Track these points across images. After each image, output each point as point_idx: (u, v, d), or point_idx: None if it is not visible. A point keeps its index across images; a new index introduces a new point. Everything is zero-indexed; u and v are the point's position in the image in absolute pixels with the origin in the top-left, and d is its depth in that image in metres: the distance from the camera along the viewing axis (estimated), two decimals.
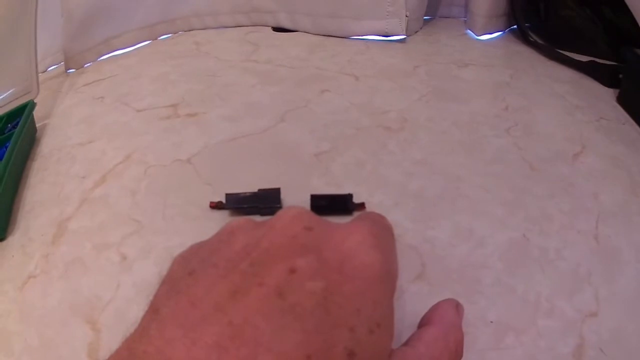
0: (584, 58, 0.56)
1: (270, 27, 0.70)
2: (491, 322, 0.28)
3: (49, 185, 0.46)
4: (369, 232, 0.22)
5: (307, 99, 0.53)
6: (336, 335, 0.19)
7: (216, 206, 0.40)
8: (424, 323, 0.26)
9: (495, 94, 0.52)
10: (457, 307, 0.27)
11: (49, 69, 0.69)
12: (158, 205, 0.41)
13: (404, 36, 0.63)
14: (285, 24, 0.69)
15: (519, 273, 0.31)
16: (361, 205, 0.39)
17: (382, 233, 0.24)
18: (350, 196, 0.39)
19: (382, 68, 0.58)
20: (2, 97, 0.58)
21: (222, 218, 0.40)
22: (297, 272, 0.20)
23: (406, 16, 0.63)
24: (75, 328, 0.32)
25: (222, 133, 0.48)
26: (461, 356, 0.25)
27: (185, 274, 0.21)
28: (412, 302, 0.30)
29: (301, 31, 0.67)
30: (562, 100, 0.50)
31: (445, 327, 0.25)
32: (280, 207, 0.39)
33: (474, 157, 0.43)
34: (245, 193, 0.40)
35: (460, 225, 0.35)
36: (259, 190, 0.40)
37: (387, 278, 0.22)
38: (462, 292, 0.30)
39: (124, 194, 0.42)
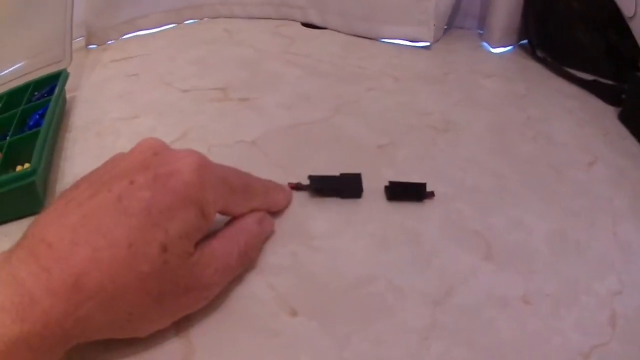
0: (587, 76, 0.60)
1: (298, 22, 0.69)
2: (547, 295, 0.32)
3: (92, 159, 0.44)
4: (198, 161, 0.28)
5: (356, 95, 0.54)
6: (154, 233, 0.25)
7: (296, 187, 0.40)
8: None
9: (517, 104, 0.55)
10: (261, 220, 0.34)
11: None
12: None
13: (429, 43, 0.65)
14: (315, 21, 0.69)
15: (561, 258, 0.35)
16: (431, 194, 0.40)
17: (216, 171, 0.30)
18: (424, 185, 0.40)
19: (417, 72, 0.60)
20: (27, 62, 0.55)
21: (302, 199, 0.39)
22: (135, 184, 0.26)
23: (434, 25, 0.65)
24: None
25: (281, 119, 0.48)
26: (250, 258, 0.33)
27: (72, 186, 0.28)
28: (484, 278, 0.33)
29: (331, 29, 0.68)
30: (572, 115, 0.53)
31: (238, 230, 0.32)
32: (361, 191, 0.40)
33: (511, 159, 0.45)
34: (327, 176, 0.40)
35: (512, 215, 0.38)
36: (341, 174, 0.40)
37: (197, 201, 0.27)
38: (523, 270, 0.34)
39: None
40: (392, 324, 0.31)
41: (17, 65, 0.53)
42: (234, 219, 0.33)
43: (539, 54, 0.64)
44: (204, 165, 0.28)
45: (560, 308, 0.32)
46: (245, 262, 0.32)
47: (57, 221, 0.25)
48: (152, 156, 0.28)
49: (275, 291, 0.33)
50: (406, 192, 0.40)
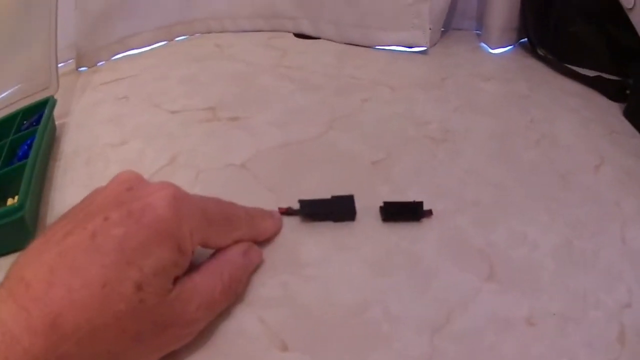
0: (589, 72, 0.59)
1: (291, 33, 0.68)
2: (554, 314, 0.31)
3: (82, 188, 0.43)
4: (173, 194, 0.27)
5: (350, 107, 0.52)
6: (128, 271, 0.25)
7: (286, 212, 0.38)
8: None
9: (519, 107, 0.53)
10: (247, 251, 0.33)
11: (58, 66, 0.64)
12: None
13: (426, 47, 0.64)
14: (308, 31, 0.68)
15: (568, 272, 0.34)
16: (429, 212, 0.39)
17: (192, 202, 0.29)
18: (421, 204, 0.39)
19: (413, 79, 0.58)
20: (14, 90, 0.54)
21: (293, 225, 0.38)
22: (108, 220, 0.26)
23: (429, 29, 0.63)
24: None
25: (272, 139, 0.47)
26: (235, 292, 0.32)
27: (54, 223, 0.28)
28: (487, 300, 0.32)
29: (324, 39, 0.67)
30: (576, 114, 0.51)
31: (221, 262, 0.31)
32: (355, 214, 0.38)
33: (514, 167, 0.44)
34: (318, 199, 0.38)
35: (516, 230, 0.37)
36: (333, 196, 0.39)
37: (173, 236, 0.27)
38: (528, 289, 0.32)
39: None
40: (389, 355, 0.30)
41: (4, 94, 0.52)
42: (217, 251, 0.32)
43: (540, 52, 0.63)
44: (178, 197, 0.28)
45: (567, 326, 0.31)
46: (231, 296, 0.31)
47: (35, 260, 0.25)
48: (126, 191, 0.28)
49: (265, 325, 0.32)
50: (402, 212, 0.39)
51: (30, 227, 0.39)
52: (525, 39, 0.66)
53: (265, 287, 0.34)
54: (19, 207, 0.37)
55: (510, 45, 0.66)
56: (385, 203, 0.39)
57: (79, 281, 0.24)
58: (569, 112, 0.52)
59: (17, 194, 0.39)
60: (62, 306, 0.23)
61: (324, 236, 0.38)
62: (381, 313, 0.32)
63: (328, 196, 0.39)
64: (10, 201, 0.41)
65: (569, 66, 0.60)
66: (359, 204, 0.39)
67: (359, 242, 0.37)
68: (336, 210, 0.38)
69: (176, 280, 0.27)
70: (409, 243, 0.37)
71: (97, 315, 0.24)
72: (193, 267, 0.29)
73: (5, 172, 0.42)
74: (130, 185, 0.28)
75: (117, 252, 0.25)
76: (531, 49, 0.64)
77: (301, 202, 0.38)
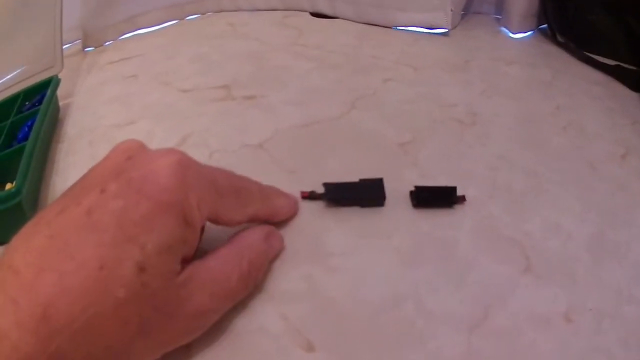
0: (608, 61, 0.56)
1: (307, 13, 0.65)
2: (590, 309, 0.29)
3: (84, 170, 0.40)
4: (178, 161, 0.24)
5: (372, 87, 0.49)
6: (128, 251, 0.21)
7: (309, 196, 0.35)
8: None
9: (544, 93, 0.50)
10: (269, 235, 0.30)
11: (64, 46, 0.61)
12: None
13: (447, 30, 0.60)
14: (325, 10, 0.64)
15: (603, 264, 0.32)
16: (462, 198, 0.36)
17: (200, 171, 0.25)
18: (454, 189, 0.36)
19: (436, 60, 0.55)
20: (18, 71, 0.51)
21: (317, 210, 0.35)
22: (106, 192, 0.22)
23: (451, 10, 0.60)
24: None
25: (291, 118, 0.44)
26: (255, 280, 0.28)
27: (50, 203, 0.24)
28: (525, 295, 0.30)
29: (341, 18, 0.63)
30: (598, 103, 0.49)
31: (240, 248, 0.27)
32: (384, 199, 0.35)
33: (543, 153, 0.41)
34: (345, 183, 0.35)
35: (550, 219, 0.35)
36: (360, 180, 0.35)
37: (179, 207, 0.23)
38: (564, 282, 0.31)
39: None
40: (424, 355, 0.27)
41: (8, 75, 0.49)
42: (236, 233, 0.29)
43: (560, 39, 0.60)
44: (184, 164, 0.24)
45: (603, 322, 0.29)
46: (249, 285, 0.28)
47: (24, 244, 0.22)
48: (126, 160, 0.25)
49: (288, 322, 0.29)
50: (434, 197, 0.36)
51: (29, 214, 0.36)
52: (545, 25, 0.63)
53: (287, 280, 0.31)
54: (16, 192, 0.34)
55: (531, 30, 0.64)
56: (417, 187, 0.36)
57: (72, 264, 0.21)
58: (592, 101, 0.49)
59: (17, 177, 0.36)
60: (53, 294, 0.20)
61: (351, 223, 0.34)
62: (414, 308, 0.29)
63: (353, 179, 0.36)
64: (9, 186, 0.38)
65: (589, 54, 0.58)
66: (386, 189, 0.36)
67: (389, 230, 0.34)
68: (364, 194, 0.35)
69: (185, 262, 0.24)
70: (442, 231, 0.34)
71: (93, 304, 0.21)
72: (208, 251, 0.26)
73: (3, 156, 0.39)
74: (130, 154, 0.25)
75: (116, 228, 0.22)
76: (551, 35, 0.62)
77: (326, 185, 0.35)
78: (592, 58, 0.57)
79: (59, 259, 0.21)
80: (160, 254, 0.22)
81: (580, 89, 0.51)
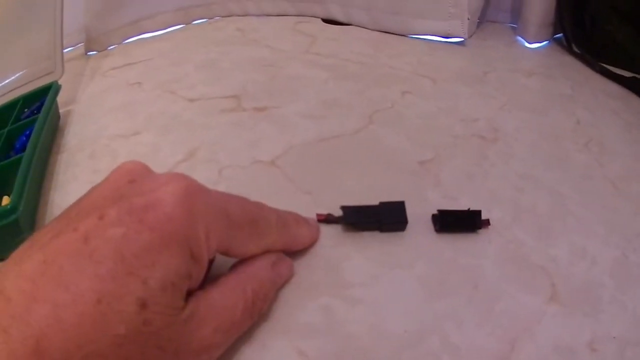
0: (625, 72, 0.55)
1: (319, 18, 0.62)
2: (614, 337, 0.28)
3: (86, 185, 0.37)
4: (185, 188, 0.22)
5: (391, 100, 0.47)
6: (129, 284, 0.20)
7: (326, 220, 0.33)
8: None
9: (564, 106, 0.49)
10: (276, 262, 0.28)
11: (65, 50, 0.59)
12: None
13: (463, 39, 0.58)
14: (338, 17, 0.62)
15: (626, 290, 0.31)
16: (486, 222, 0.34)
17: (210, 199, 0.23)
18: (479, 213, 0.34)
19: (454, 72, 0.53)
20: (17, 76, 0.49)
21: (334, 235, 0.32)
22: (104, 219, 0.20)
23: (468, 19, 0.58)
24: None
25: (306, 133, 0.41)
26: (260, 311, 0.26)
27: (46, 225, 0.23)
28: (551, 325, 0.29)
29: (355, 25, 0.61)
30: (618, 117, 0.48)
31: (245, 277, 0.25)
32: (406, 223, 0.33)
33: (567, 172, 0.40)
34: (364, 206, 0.32)
35: (575, 243, 0.34)
36: (381, 203, 0.33)
37: (184, 240, 0.21)
38: (590, 311, 0.30)
39: None
40: None
41: (6, 80, 0.47)
42: (240, 261, 0.27)
43: (575, 49, 0.59)
44: (192, 192, 0.22)
45: (627, 350, 0.28)
46: (254, 316, 0.26)
47: (16, 268, 0.20)
48: (128, 184, 0.23)
49: (304, 358, 0.26)
50: (458, 222, 0.34)
51: (27, 231, 0.33)
52: (561, 34, 0.62)
53: (304, 312, 0.28)
54: (13, 208, 0.32)
55: (547, 40, 0.62)
56: (440, 211, 0.34)
57: (67, 296, 0.19)
58: (612, 115, 0.48)
59: (12, 192, 0.33)
60: (46, 326, 0.18)
61: (371, 249, 0.32)
62: (439, 343, 0.27)
63: (371, 200, 0.34)
64: (6, 200, 0.36)
65: (605, 65, 0.56)
66: (407, 211, 0.33)
67: (412, 257, 0.32)
68: (385, 219, 0.33)
69: (188, 295, 0.22)
70: (466, 259, 0.32)
71: (91, 340, 0.19)
72: (210, 280, 0.25)
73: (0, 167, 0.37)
74: (133, 177, 0.23)
75: (115, 259, 0.20)
76: (567, 45, 0.60)
77: (344, 208, 0.32)
78: (608, 70, 0.56)
79: (53, 289, 0.19)
80: (164, 289, 0.21)
81: (599, 103, 0.50)
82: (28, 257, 0.20)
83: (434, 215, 0.34)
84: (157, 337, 0.20)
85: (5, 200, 0.36)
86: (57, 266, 0.20)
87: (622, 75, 0.54)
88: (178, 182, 0.23)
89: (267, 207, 0.28)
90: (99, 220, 0.21)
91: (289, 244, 0.30)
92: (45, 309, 0.19)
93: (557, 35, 0.63)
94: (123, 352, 0.20)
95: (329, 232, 0.33)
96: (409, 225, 0.33)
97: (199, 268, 0.23)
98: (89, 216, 0.21)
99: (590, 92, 0.52)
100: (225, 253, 0.25)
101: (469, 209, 0.34)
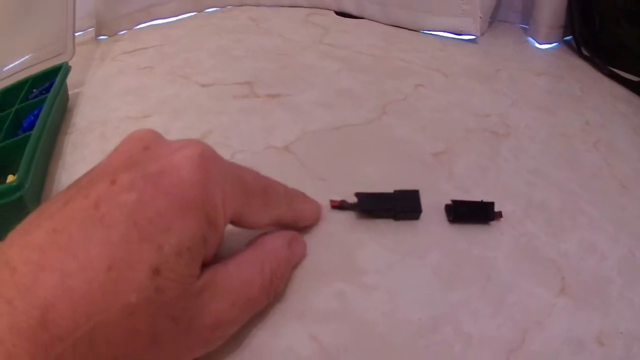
0: (632, 77, 0.55)
1: (332, 11, 0.62)
2: (621, 332, 0.28)
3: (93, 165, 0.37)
4: (201, 152, 0.21)
5: (404, 93, 0.46)
6: (142, 251, 0.19)
7: (339, 206, 0.32)
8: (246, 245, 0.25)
9: (573, 107, 0.49)
10: (292, 241, 0.27)
11: (76, 34, 0.59)
12: None
13: (475, 36, 0.58)
14: (350, 9, 0.62)
15: (633, 287, 0.31)
16: (499, 215, 0.34)
17: (225, 166, 0.23)
18: (492, 205, 0.34)
19: (466, 68, 0.53)
20: (27, 57, 0.48)
21: (348, 222, 0.32)
22: (116, 184, 0.20)
23: (480, 17, 0.58)
24: None
25: (319, 120, 0.41)
26: (276, 289, 0.26)
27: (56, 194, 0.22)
28: (561, 318, 0.29)
29: (368, 19, 0.61)
30: (626, 119, 0.48)
31: (262, 253, 0.25)
32: (420, 212, 0.33)
33: (576, 171, 0.40)
34: (378, 193, 0.32)
35: (585, 239, 0.34)
36: (395, 191, 0.32)
37: (201, 204, 0.21)
38: (599, 305, 0.30)
39: None
40: None
41: (18, 61, 0.46)
42: (258, 237, 0.26)
43: (585, 52, 0.59)
44: (208, 157, 0.22)
45: (634, 346, 0.28)
46: (271, 295, 0.25)
47: (22, 238, 0.19)
48: (142, 151, 0.22)
49: (319, 344, 0.26)
50: (471, 213, 0.34)
51: (32, 209, 0.33)
52: (570, 37, 0.62)
53: (318, 298, 0.28)
54: (18, 185, 0.31)
55: (557, 42, 0.63)
56: (454, 202, 0.33)
57: (76, 264, 0.18)
58: (620, 117, 0.48)
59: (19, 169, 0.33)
60: (53, 297, 0.18)
61: (385, 237, 0.32)
62: (453, 332, 0.27)
63: (385, 189, 0.33)
64: (10, 178, 0.35)
65: (613, 69, 0.56)
66: (424, 199, 0.33)
67: (426, 246, 0.32)
68: (399, 207, 0.32)
69: (204, 267, 0.21)
70: (479, 250, 0.32)
71: (100, 310, 0.18)
72: (227, 255, 0.24)
73: (6, 146, 0.36)
74: (146, 144, 0.22)
75: (127, 225, 0.19)
76: (576, 48, 0.61)
77: (359, 195, 0.32)
78: (616, 73, 0.56)
79: (62, 257, 0.18)
80: (179, 255, 0.20)
81: (608, 105, 0.50)
82: (36, 226, 0.20)
83: (447, 206, 0.34)
84: (169, 306, 0.20)
85: (10, 178, 0.35)
86: (67, 234, 0.19)
87: (630, 80, 0.54)
88: (193, 147, 0.22)
89: (276, 181, 0.28)
90: (111, 186, 0.20)
91: (296, 217, 0.29)
92: (53, 279, 0.18)
93: (567, 38, 0.63)
94: (133, 321, 0.19)
95: (342, 218, 0.32)
96: (422, 215, 0.33)
97: (215, 234, 0.22)
98: (100, 182, 0.20)
99: (599, 94, 0.52)
100: (237, 222, 0.24)
101: (481, 200, 0.34)
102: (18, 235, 0.20)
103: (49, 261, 0.18)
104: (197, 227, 0.21)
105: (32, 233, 0.19)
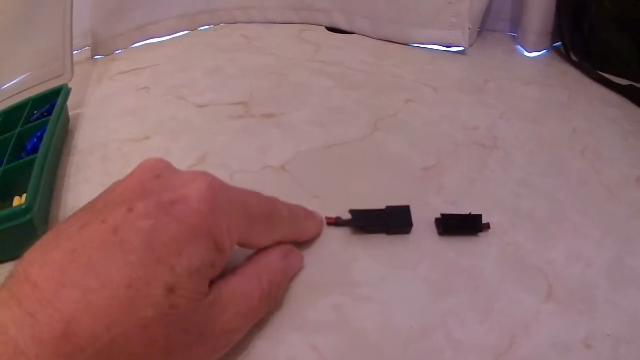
0: (622, 81, 0.56)
1: (323, 27, 0.64)
2: (608, 335, 0.29)
3: (98, 187, 0.38)
4: (209, 185, 0.24)
5: (394, 108, 0.48)
6: (158, 271, 0.21)
7: (335, 223, 0.34)
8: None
9: (562, 115, 0.50)
10: (287, 255, 0.30)
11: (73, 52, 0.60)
12: None
13: (464, 48, 0.60)
14: (341, 25, 0.64)
15: (620, 291, 0.32)
16: (487, 226, 0.35)
17: (231, 196, 0.25)
18: (480, 217, 0.35)
19: (455, 80, 0.55)
20: (25, 77, 0.49)
21: (343, 237, 0.34)
22: (134, 212, 0.22)
23: (469, 29, 0.60)
24: None
25: (313, 139, 0.43)
26: (275, 299, 0.28)
27: (68, 217, 0.24)
28: (548, 323, 0.30)
29: (358, 34, 0.62)
30: (614, 125, 0.49)
31: (260, 267, 0.27)
32: (411, 227, 0.34)
33: (564, 179, 0.41)
34: (371, 210, 0.34)
35: (571, 247, 0.35)
36: (387, 207, 0.34)
37: (209, 232, 0.23)
38: (584, 309, 0.31)
39: None
40: None
41: (16, 81, 0.48)
42: (255, 253, 0.29)
43: (574, 57, 0.60)
44: (216, 189, 0.24)
45: (620, 348, 0.29)
46: (270, 304, 0.28)
47: (43, 257, 0.21)
48: (154, 180, 0.24)
49: (317, 353, 0.28)
50: (460, 225, 0.35)
51: (40, 231, 0.34)
52: (559, 43, 0.63)
53: (316, 309, 0.30)
54: (28, 208, 0.32)
55: (546, 49, 0.64)
56: (443, 215, 0.35)
57: (97, 282, 0.20)
58: (607, 122, 0.50)
59: (24, 192, 0.34)
60: (76, 310, 0.20)
61: (378, 251, 0.34)
62: (443, 339, 0.29)
63: (378, 205, 0.35)
64: (17, 200, 0.36)
65: (602, 74, 0.58)
66: (412, 215, 0.35)
67: (417, 259, 0.33)
68: (391, 222, 0.34)
69: (211, 283, 0.24)
70: (468, 260, 0.34)
71: (120, 323, 0.20)
72: (228, 270, 0.26)
73: (11, 168, 0.37)
74: (158, 174, 0.25)
75: (145, 249, 0.21)
76: (565, 53, 0.62)
77: (353, 212, 0.34)
78: (606, 78, 0.57)
79: (82, 275, 0.20)
80: (191, 276, 0.22)
81: (596, 111, 0.51)
82: (55, 246, 0.21)
83: (437, 219, 0.36)
84: (183, 320, 0.22)
85: (17, 201, 0.36)
86: (87, 255, 0.21)
87: (619, 84, 0.55)
88: (202, 180, 0.24)
89: (280, 202, 0.31)
90: (128, 213, 0.22)
91: (298, 235, 0.32)
92: (75, 294, 0.20)
93: (556, 44, 0.64)
94: (149, 334, 0.21)
95: (338, 235, 0.34)
96: (413, 229, 0.35)
97: (222, 257, 0.24)
98: (117, 209, 0.22)
99: (588, 100, 0.53)
100: (243, 244, 0.27)
101: (470, 213, 0.35)
102: (37, 254, 0.22)
103: (70, 278, 0.20)
104: (205, 251, 0.23)
105: (51, 252, 0.21)
